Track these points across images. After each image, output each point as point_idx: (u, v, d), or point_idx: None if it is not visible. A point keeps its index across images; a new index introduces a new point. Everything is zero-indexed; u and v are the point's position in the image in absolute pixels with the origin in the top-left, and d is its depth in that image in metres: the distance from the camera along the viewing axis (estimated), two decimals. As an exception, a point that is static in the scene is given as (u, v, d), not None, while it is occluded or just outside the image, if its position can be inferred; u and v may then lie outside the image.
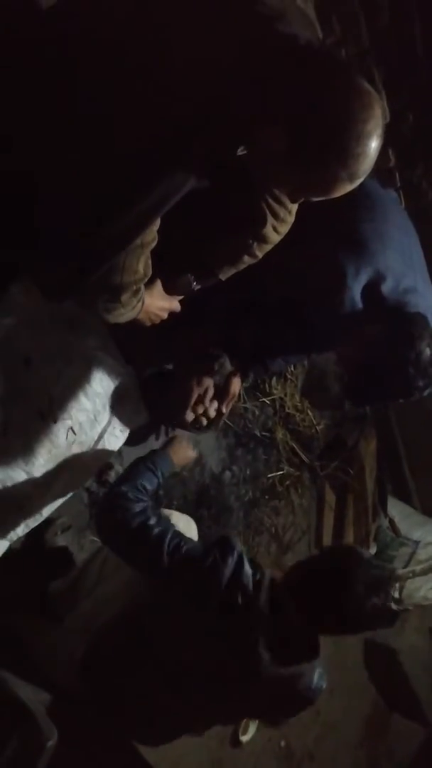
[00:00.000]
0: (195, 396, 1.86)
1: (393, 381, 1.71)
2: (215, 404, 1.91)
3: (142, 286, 1.28)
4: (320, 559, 1.62)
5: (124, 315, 1.32)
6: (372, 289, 1.64)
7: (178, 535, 1.49)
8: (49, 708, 1.34)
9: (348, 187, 1.13)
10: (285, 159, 1.10)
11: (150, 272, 1.27)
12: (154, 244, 1.22)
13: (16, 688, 1.26)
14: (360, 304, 1.66)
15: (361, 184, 1.15)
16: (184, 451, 1.92)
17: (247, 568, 1.48)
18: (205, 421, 1.94)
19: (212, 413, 1.92)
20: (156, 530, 1.46)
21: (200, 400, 1.88)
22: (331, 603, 1.45)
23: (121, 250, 1.16)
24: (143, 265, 1.24)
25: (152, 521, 1.48)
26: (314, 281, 1.65)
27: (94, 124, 1.06)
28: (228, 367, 1.91)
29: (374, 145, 1.08)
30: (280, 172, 1.16)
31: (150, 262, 1.26)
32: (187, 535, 1.60)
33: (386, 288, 1.65)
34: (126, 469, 1.73)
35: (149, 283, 1.38)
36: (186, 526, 1.83)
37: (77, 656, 1.59)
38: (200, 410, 1.89)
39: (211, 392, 1.90)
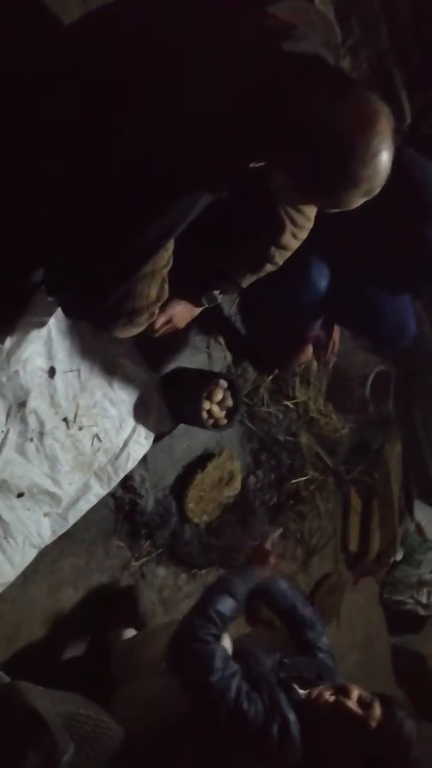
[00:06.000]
0: (206, 410, 1.95)
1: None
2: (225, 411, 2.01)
3: (156, 310, 1.29)
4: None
5: (132, 332, 1.33)
6: None
7: (240, 690, 1.44)
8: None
9: (365, 199, 1.10)
10: (294, 187, 1.08)
11: (165, 296, 1.27)
12: (167, 269, 1.22)
13: (33, 700, 1.24)
14: None
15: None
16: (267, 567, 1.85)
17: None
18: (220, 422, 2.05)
19: (224, 420, 2.03)
20: (218, 687, 1.42)
21: (211, 407, 1.97)
22: None
23: (130, 278, 1.15)
24: (156, 289, 1.23)
25: (215, 675, 1.43)
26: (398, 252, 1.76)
27: (101, 151, 1.05)
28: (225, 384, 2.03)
29: (384, 158, 1.04)
30: (292, 195, 1.15)
31: (166, 285, 1.25)
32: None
33: None
34: (201, 596, 1.66)
35: (177, 297, 1.39)
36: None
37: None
38: (211, 421, 1.99)
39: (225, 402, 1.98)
